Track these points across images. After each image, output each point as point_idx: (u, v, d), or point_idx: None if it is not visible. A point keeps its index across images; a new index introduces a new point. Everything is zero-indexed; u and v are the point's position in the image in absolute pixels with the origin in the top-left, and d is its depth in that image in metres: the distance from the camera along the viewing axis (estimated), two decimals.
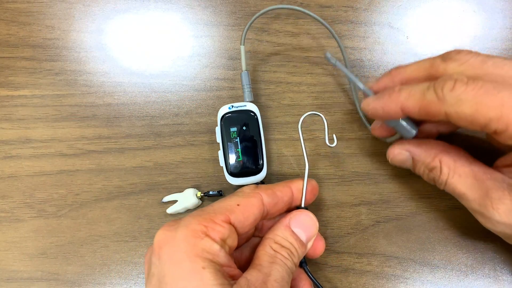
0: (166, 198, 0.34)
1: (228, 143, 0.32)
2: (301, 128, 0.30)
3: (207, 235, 0.23)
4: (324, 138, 0.34)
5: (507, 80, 0.24)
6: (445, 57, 0.26)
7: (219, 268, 0.22)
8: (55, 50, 0.37)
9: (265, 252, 0.25)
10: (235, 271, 0.24)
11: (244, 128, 0.33)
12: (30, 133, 0.36)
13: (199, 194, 0.34)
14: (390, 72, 0.29)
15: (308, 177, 0.29)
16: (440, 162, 0.27)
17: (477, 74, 0.24)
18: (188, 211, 0.34)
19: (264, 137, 0.33)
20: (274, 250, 0.25)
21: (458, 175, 0.27)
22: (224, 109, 0.33)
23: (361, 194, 0.34)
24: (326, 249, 0.33)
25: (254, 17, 0.33)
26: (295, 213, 0.28)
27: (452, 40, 0.37)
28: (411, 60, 0.37)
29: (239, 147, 0.32)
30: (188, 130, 0.36)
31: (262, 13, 0.32)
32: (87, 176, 0.35)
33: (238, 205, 0.25)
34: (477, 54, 0.25)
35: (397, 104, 0.26)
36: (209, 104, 0.36)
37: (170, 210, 0.34)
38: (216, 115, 0.36)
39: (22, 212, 0.35)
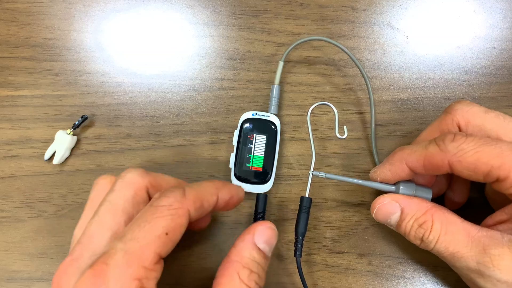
0: (47, 155, 0.35)
1: (243, 146, 0.33)
2: (309, 119, 0.30)
3: None
4: (334, 130, 0.34)
5: (508, 133, 0.26)
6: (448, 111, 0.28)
7: None
8: (55, 50, 0.37)
9: (233, 282, 0.23)
10: None
11: (261, 137, 0.33)
12: (30, 133, 0.36)
13: (69, 131, 0.34)
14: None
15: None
16: (432, 217, 0.26)
17: (481, 123, 0.27)
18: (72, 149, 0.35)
19: (279, 152, 0.34)
20: (242, 282, 0.23)
21: (451, 232, 0.25)
22: (247, 114, 0.34)
23: (361, 194, 0.34)
24: (326, 249, 0.33)
25: (297, 42, 0.33)
26: (259, 227, 0.25)
27: (452, 40, 0.37)
28: (411, 60, 0.37)
29: (252, 154, 0.33)
30: (188, 130, 0.36)
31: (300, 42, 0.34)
32: (87, 176, 0.35)
33: (166, 234, 0.22)
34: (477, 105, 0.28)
35: (402, 161, 0.27)
36: (209, 104, 0.36)
37: (56, 160, 0.34)
38: (217, 115, 0.36)
39: (22, 212, 0.35)
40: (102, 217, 0.24)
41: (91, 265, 0.20)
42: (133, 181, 0.25)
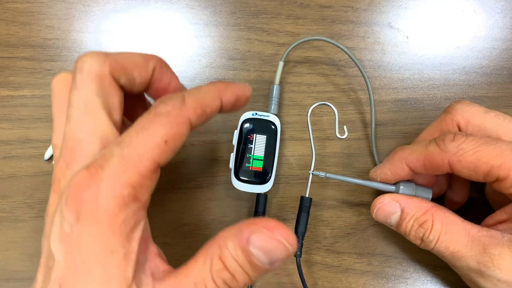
0: (47, 155, 0.35)
1: (243, 146, 0.33)
2: (309, 119, 0.30)
3: (135, 199, 0.19)
4: (334, 130, 0.34)
5: (507, 133, 0.26)
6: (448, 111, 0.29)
7: (133, 257, 0.19)
8: (55, 50, 0.37)
9: (200, 268, 0.20)
10: (163, 266, 0.21)
11: (261, 137, 0.33)
12: (30, 133, 0.36)
13: None
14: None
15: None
16: (432, 217, 0.26)
17: (481, 123, 0.27)
18: None
19: (279, 152, 0.34)
20: (210, 274, 0.19)
21: (451, 232, 0.26)
22: (247, 114, 0.33)
23: (361, 194, 0.34)
24: (326, 249, 0.33)
25: (296, 43, 0.34)
26: (261, 227, 0.19)
27: (452, 40, 0.37)
28: (411, 60, 0.37)
29: (252, 154, 0.33)
30: None
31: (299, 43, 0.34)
32: None
33: (166, 142, 0.20)
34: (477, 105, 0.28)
35: (402, 161, 0.27)
36: None
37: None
38: (217, 115, 0.36)
39: (22, 212, 0.35)
40: (82, 120, 0.21)
41: (87, 166, 0.19)
42: (93, 71, 0.22)
